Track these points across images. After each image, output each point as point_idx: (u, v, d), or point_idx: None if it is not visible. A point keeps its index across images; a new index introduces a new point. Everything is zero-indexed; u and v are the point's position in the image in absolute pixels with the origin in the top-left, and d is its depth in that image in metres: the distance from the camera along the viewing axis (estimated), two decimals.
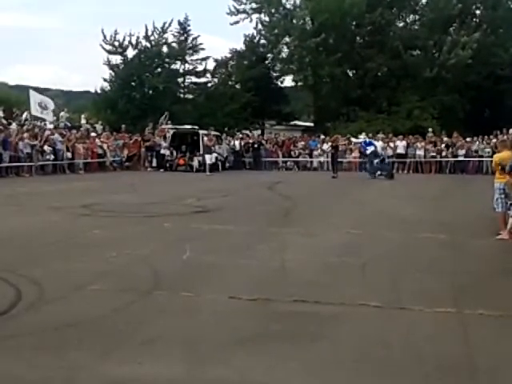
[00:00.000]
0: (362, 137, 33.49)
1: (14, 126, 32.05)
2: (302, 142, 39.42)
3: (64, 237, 10.53)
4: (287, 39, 49.56)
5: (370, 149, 30.56)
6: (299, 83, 50.30)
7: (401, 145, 36.50)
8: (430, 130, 38.73)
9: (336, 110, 47.95)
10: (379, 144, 35.48)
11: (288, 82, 52.81)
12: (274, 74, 53.58)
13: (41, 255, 8.80)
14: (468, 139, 35.89)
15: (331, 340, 5.30)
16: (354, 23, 48.92)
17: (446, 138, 36.66)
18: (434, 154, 35.81)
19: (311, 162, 38.51)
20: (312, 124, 53.54)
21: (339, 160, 32.43)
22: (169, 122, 37.23)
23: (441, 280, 7.61)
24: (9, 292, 6.49)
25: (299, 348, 5.07)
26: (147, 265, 8.17)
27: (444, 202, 17.77)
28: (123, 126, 38.50)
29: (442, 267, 8.44)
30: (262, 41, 52.42)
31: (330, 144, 34.81)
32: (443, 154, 35.65)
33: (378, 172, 29.79)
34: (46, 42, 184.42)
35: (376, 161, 30.06)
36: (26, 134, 29.30)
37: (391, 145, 36.73)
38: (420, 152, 35.97)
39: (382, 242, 10.42)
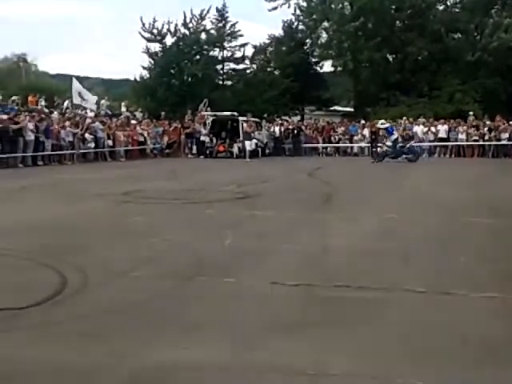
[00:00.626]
0: (383, 123, 33.14)
1: (55, 114, 32.40)
2: (342, 128, 39.20)
3: (106, 224, 10.62)
4: (326, 24, 49.25)
5: (393, 137, 30.36)
6: (338, 68, 50.02)
7: (442, 129, 36.13)
8: (471, 113, 38.18)
9: (376, 95, 47.60)
10: (420, 128, 35.26)
11: (327, 67, 52.56)
12: (313, 60, 53.34)
13: (84, 242, 8.87)
14: (511, 122, 35.35)
15: (375, 325, 5.25)
16: (394, 7, 48.44)
17: (488, 122, 36.11)
18: (477, 138, 35.36)
19: (351, 147, 38.31)
20: (352, 109, 53.18)
21: (379, 145, 32.21)
22: (208, 108, 37.29)
23: (485, 265, 7.50)
24: (54, 279, 6.55)
25: (343, 333, 5.04)
26: (189, 251, 8.19)
27: (487, 186, 17.53)
28: (162, 113, 38.66)
29: (486, 252, 8.34)
30: (301, 26, 52.18)
31: (369, 129, 34.61)
32: (486, 137, 35.17)
33: (403, 156, 29.63)
34: (85, 30, 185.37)
35: (399, 145, 29.94)
36: (67, 123, 29.60)
37: (432, 129, 36.33)
38: (462, 136, 35.56)
39: (424, 227, 10.32)
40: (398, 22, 49.59)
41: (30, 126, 26.76)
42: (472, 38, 46.35)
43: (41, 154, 27.27)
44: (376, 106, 46.54)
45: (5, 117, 27.05)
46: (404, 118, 38.24)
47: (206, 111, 36.79)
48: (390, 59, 49.92)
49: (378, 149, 30.83)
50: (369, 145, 34.80)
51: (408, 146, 30.40)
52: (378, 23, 47.27)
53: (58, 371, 4.26)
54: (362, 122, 39.41)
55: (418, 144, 33.76)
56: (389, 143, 30.14)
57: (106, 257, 7.81)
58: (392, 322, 5.34)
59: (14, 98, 33.61)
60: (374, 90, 48.29)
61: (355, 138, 38.11)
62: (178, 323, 5.25)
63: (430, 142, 36.42)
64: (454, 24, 46.44)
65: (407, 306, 5.84)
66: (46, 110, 32.97)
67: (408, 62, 47.10)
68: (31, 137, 26.52)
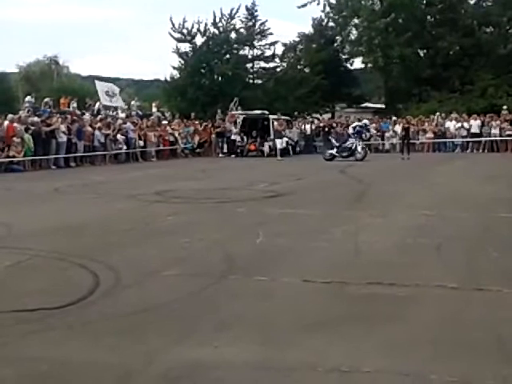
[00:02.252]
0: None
1: (87, 116, 32.67)
2: (374, 124, 39.00)
3: (138, 224, 10.67)
4: (356, 21, 49.09)
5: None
6: (369, 65, 49.81)
7: (475, 124, 35.78)
8: (505, 107, 37.72)
9: (407, 91, 47.35)
10: (452, 124, 34.99)
11: (357, 64, 52.44)
12: (344, 57, 53.21)
13: (117, 242, 8.95)
14: None
15: (407, 322, 5.23)
16: (424, 2, 48.15)
17: None
18: (510, 133, 34.93)
19: (383, 144, 38.10)
20: (383, 106, 52.94)
21: (412, 141, 31.92)
22: (239, 107, 37.34)
23: None
24: (87, 278, 6.61)
25: (375, 330, 5.02)
26: (221, 250, 8.21)
27: None
28: (193, 113, 38.78)
29: None
30: (331, 23, 52.08)
31: (401, 126, 34.41)
32: None
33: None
34: (116, 32, 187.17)
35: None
36: (99, 124, 29.84)
37: (465, 124, 36.01)
38: (495, 131, 35.18)
39: (457, 223, 10.24)
40: (428, 16, 49.24)
41: (63, 127, 27.03)
42: (504, 32, 45.86)
43: (73, 155, 27.52)
44: (407, 102, 46.31)
45: (37, 119, 27.36)
46: (437, 113, 37.94)
47: (237, 110, 36.84)
48: (421, 54, 49.60)
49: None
50: (400, 141, 34.54)
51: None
52: (409, 19, 46.99)
53: (92, 370, 4.30)
54: (394, 118, 39.17)
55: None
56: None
57: (138, 256, 7.86)
58: (424, 319, 5.30)
59: (46, 100, 33.99)
60: (405, 86, 48.02)
61: (387, 134, 37.91)
62: (209, 322, 5.26)
63: (462, 137, 36.10)
64: (485, 18, 46.01)
65: (439, 302, 5.80)
66: (78, 112, 33.28)
67: (439, 57, 46.74)
68: (63, 138, 26.79)
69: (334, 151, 29.33)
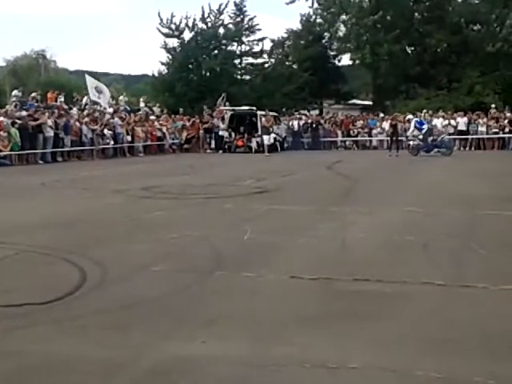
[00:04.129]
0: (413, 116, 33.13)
1: (74, 110, 32.58)
2: (361, 121, 39.11)
3: (126, 219, 10.65)
4: (344, 17, 49.15)
5: (425, 127, 30.16)
6: (357, 61, 49.95)
7: (462, 121, 35.92)
8: (493, 105, 37.86)
9: (395, 88, 47.50)
10: (439, 121, 35.07)
11: (346, 60, 52.64)
12: (332, 53, 53.39)
13: (104, 237, 8.94)
14: None
15: (394, 319, 5.24)
16: None
17: (508, 114, 35.85)
18: (497, 131, 35.09)
19: (370, 140, 38.20)
20: (371, 102, 53.11)
21: (400, 138, 32.04)
22: (226, 103, 37.31)
23: (506, 257, 7.46)
24: (74, 273, 6.60)
25: (362, 327, 5.03)
26: (208, 246, 8.21)
27: (507, 179, 17.41)
28: (181, 109, 38.70)
29: (507, 244, 8.28)
30: (319, 20, 52.11)
31: (389, 122, 34.50)
32: (506, 129, 34.90)
33: (436, 149, 29.37)
34: (103, 27, 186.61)
35: (431, 138, 29.72)
36: (86, 119, 29.75)
37: (452, 122, 36.12)
38: (482, 128, 35.35)
39: (444, 220, 10.28)
40: (416, 14, 49.39)
41: (50, 122, 26.96)
42: (492, 29, 46.01)
43: (60, 150, 27.48)
44: (395, 99, 46.46)
45: (24, 113, 27.25)
46: (423, 110, 38.04)
47: (224, 106, 36.82)
48: (409, 52, 49.76)
49: (411, 142, 30.37)
50: (388, 138, 34.60)
51: (440, 139, 30.16)
52: (397, 16, 47.12)
53: (79, 364, 4.29)
54: (381, 115, 39.27)
55: (451, 137, 33.57)
56: (420, 136, 29.89)
57: (126, 251, 7.85)
58: (411, 315, 5.33)
59: (33, 94, 33.85)
60: (392, 83, 48.14)
61: (374, 131, 38.00)
62: (197, 317, 5.27)
63: (449, 134, 36.18)
64: (473, 15, 46.17)
65: (427, 299, 5.82)
66: (65, 107, 33.17)
67: (427, 54, 46.90)
68: (50, 133, 26.71)
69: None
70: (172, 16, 46.99)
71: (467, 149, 35.43)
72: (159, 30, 47.21)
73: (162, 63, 48.06)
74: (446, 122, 36.25)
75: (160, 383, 4.05)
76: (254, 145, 33.75)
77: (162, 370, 4.20)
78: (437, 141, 29.79)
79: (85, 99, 36.12)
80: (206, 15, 47.52)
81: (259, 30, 49.10)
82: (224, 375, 4.13)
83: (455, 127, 35.99)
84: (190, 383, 4.02)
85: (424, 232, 9.08)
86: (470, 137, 35.69)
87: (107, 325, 5.10)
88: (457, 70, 45.32)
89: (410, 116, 33.84)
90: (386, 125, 35.92)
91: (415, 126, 30.19)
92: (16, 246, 8.06)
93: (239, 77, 49.79)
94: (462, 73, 44.83)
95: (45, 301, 5.63)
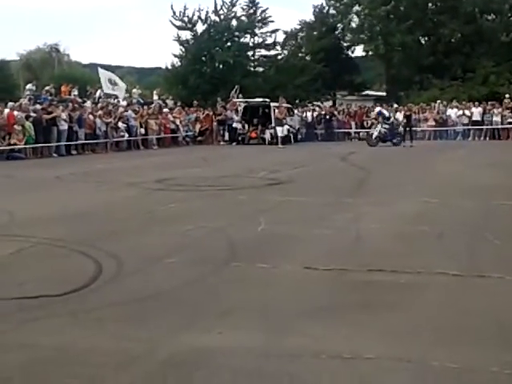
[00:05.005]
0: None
1: (88, 103, 32.63)
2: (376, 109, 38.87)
3: (140, 211, 10.69)
4: (357, 8, 48.94)
5: (390, 120, 30.31)
6: (370, 52, 49.75)
7: (476, 112, 35.63)
8: (508, 95, 37.60)
9: (408, 79, 47.26)
10: (453, 111, 34.98)
11: (359, 51, 52.41)
12: (345, 44, 53.14)
13: (119, 229, 8.97)
14: None
15: (409, 309, 5.24)
16: None
17: None
18: None
19: None
20: (384, 93, 52.87)
21: (414, 129, 31.90)
22: (240, 95, 37.25)
23: None
24: (89, 265, 6.63)
25: (376, 317, 5.03)
26: (223, 237, 8.22)
27: None
28: (195, 102, 38.67)
29: None
30: (332, 11, 51.91)
31: (402, 113, 34.34)
32: None
33: (394, 140, 29.79)
34: (116, 20, 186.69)
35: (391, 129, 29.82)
36: (100, 112, 29.79)
37: (466, 112, 35.90)
38: (497, 118, 35.04)
39: (458, 210, 10.25)
40: (430, 4, 49.12)
41: (64, 115, 26.99)
42: (506, 19, 45.69)
43: (74, 143, 27.51)
44: (409, 90, 46.20)
45: (38, 107, 27.34)
46: (438, 101, 37.84)
47: (238, 98, 36.76)
48: (423, 42, 49.50)
49: (375, 133, 30.53)
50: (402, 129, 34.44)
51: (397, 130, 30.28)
52: (410, 6, 46.87)
53: (94, 356, 4.31)
54: (395, 105, 39.06)
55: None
56: (386, 126, 30.03)
57: (141, 244, 7.88)
58: (426, 306, 5.32)
59: (47, 88, 33.93)
60: (406, 74, 47.94)
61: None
62: (212, 308, 5.28)
63: (463, 125, 36.02)
64: (487, 5, 45.85)
65: (441, 289, 5.81)
66: (79, 100, 33.23)
67: (441, 44, 46.64)
68: (65, 126, 26.75)
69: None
70: (185, 8, 46.88)
71: (482, 139, 35.21)
72: (172, 23, 47.11)
73: (175, 56, 48.00)
74: (461, 112, 36.06)
75: (175, 375, 4.06)
76: (267, 136, 33.66)
77: (178, 361, 4.22)
78: (395, 132, 29.88)
79: (98, 92, 36.16)
80: (218, 7, 47.37)
81: (272, 21, 48.92)
82: (239, 366, 4.14)
83: (470, 117, 35.77)
84: (206, 375, 4.02)
85: (438, 222, 9.05)
86: (484, 127, 35.45)
87: (122, 317, 5.12)
88: (471, 59, 45.02)
89: (378, 108, 33.76)
90: (400, 116, 35.75)
91: (383, 117, 30.27)
92: (31, 238, 8.10)
93: (252, 69, 49.62)
94: (476, 63, 44.53)
95: (60, 293, 5.66)
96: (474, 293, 5.68)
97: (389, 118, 30.66)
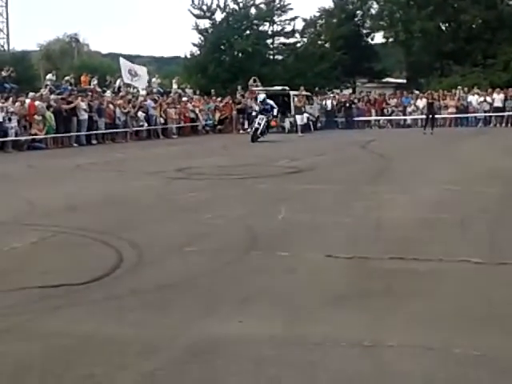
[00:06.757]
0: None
1: (108, 93, 32.73)
2: (395, 99, 38.66)
3: (161, 200, 10.72)
4: None
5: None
6: (390, 39, 49.39)
7: (498, 98, 35.33)
8: None
9: (429, 65, 46.93)
10: (474, 98, 34.66)
11: (378, 38, 52.03)
12: (364, 31, 52.81)
13: (139, 218, 8.99)
14: None
15: (430, 297, 5.21)
16: None
17: None
18: None
19: (405, 119, 37.82)
20: (404, 80, 52.57)
21: (436, 116, 31.67)
22: (258, 84, 37.19)
23: None
24: (110, 254, 6.65)
25: (398, 305, 5.01)
26: (243, 226, 8.22)
27: None
28: (212, 90, 38.64)
29: None
30: None
31: (423, 100, 34.14)
32: None
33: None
34: (136, 9, 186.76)
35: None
36: (120, 101, 29.86)
37: (488, 99, 35.61)
38: None
39: (480, 198, 10.17)
40: None
41: (83, 105, 27.09)
42: None
43: (94, 132, 27.61)
44: (429, 77, 45.88)
45: (58, 97, 27.45)
46: (459, 87, 37.56)
47: (257, 86, 36.70)
48: (443, 28, 49.06)
49: (256, 125, 27.08)
50: (423, 116, 34.16)
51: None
52: None
53: (116, 344, 4.32)
54: (416, 92, 38.80)
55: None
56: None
57: (161, 232, 7.90)
58: (447, 293, 5.29)
59: (66, 78, 34.04)
60: (426, 61, 47.58)
61: (408, 109, 37.59)
62: (233, 297, 5.28)
63: (485, 111, 35.73)
64: None
65: (463, 276, 5.78)
66: (99, 89, 33.32)
67: (462, 30, 46.26)
68: (85, 116, 26.86)
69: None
70: None
71: (503, 125, 34.93)
72: (191, 12, 47.10)
73: (194, 45, 48.04)
74: (482, 98, 35.78)
75: (197, 363, 4.05)
76: (287, 125, 33.60)
77: (199, 349, 4.22)
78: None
79: (118, 82, 36.22)
80: None
81: (291, 9, 48.75)
82: (260, 355, 4.13)
83: (491, 104, 35.48)
84: (227, 363, 4.02)
85: (460, 210, 9.00)
86: (506, 113, 35.16)
87: (144, 305, 5.13)
88: (492, 45, 44.60)
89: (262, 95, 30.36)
90: (421, 103, 35.52)
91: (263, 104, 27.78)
92: (53, 227, 8.14)
93: (271, 57, 49.56)
94: (497, 49, 44.12)
95: (81, 282, 5.68)
96: (497, 280, 5.64)
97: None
